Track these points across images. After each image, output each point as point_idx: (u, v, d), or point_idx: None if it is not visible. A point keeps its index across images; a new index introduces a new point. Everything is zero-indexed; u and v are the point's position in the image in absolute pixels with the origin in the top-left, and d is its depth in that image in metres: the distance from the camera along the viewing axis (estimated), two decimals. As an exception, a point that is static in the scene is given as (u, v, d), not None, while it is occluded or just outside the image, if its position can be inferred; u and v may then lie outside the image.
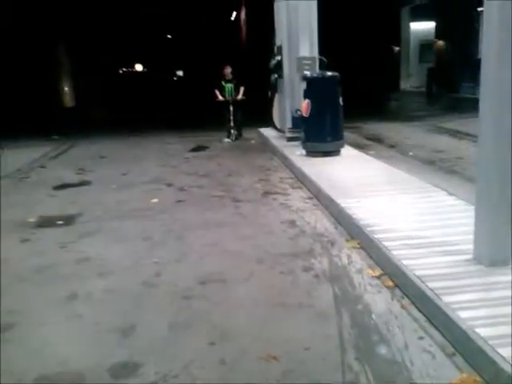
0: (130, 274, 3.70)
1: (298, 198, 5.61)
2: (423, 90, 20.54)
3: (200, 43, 33.06)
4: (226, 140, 10.02)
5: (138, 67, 47.02)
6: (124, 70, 45.09)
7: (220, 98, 9.94)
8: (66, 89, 22.36)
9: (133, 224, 4.90)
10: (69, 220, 5.07)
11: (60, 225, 4.94)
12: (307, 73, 7.66)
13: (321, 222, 4.71)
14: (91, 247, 4.27)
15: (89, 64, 24.69)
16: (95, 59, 27.11)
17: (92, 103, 20.33)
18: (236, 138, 10.03)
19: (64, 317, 3.07)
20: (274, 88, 9.59)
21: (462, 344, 2.46)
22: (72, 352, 2.67)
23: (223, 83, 9.96)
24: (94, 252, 4.15)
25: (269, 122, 10.20)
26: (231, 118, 9.93)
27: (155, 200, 5.72)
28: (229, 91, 9.96)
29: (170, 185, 6.49)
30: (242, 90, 9.93)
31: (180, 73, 41.09)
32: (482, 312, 2.57)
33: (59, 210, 5.43)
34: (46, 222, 5.02)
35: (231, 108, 9.92)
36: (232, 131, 10.00)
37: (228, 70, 10.01)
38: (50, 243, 4.39)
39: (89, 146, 10.18)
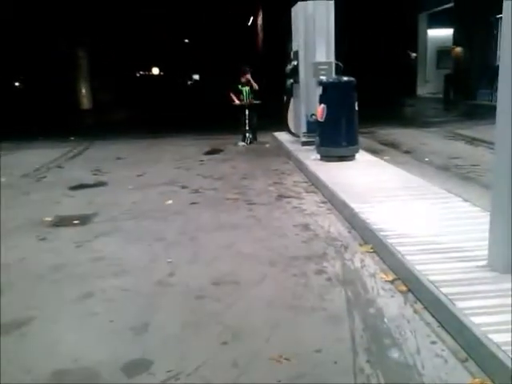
0: (144, 273, 3.74)
1: (311, 201, 5.62)
2: (440, 96, 20.43)
3: (216, 48, 33.28)
4: (241, 143, 10.06)
5: (155, 71, 47.42)
6: (141, 73, 45.54)
7: (237, 101, 9.98)
8: (84, 91, 22.64)
9: (147, 224, 4.95)
10: (85, 220, 5.14)
11: (76, 224, 5.01)
12: (323, 78, 7.68)
13: (334, 226, 4.71)
14: (106, 247, 4.33)
15: (106, 67, 25.01)
16: (113, 62, 27.44)
17: (109, 105, 20.56)
18: (251, 142, 10.07)
19: (79, 314, 3.12)
20: (290, 93, 9.62)
21: (474, 349, 2.45)
22: (86, 349, 2.71)
23: (240, 87, 10.02)
24: (109, 251, 4.21)
25: (284, 127, 10.22)
26: (246, 121, 9.97)
27: (170, 201, 5.78)
28: (246, 95, 10.02)
29: (184, 187, 6.55)
30: (255, 85, 10.01)
31: (196, 76, 41.36)
32: (495, 318, 2.55)
33: (75, 210, 5.51)
34: (63, 222, 5.09)
35: (247, 112, 9.97)
36: (247, 135, 10.04)
37: (247, 75, 10.03)
38: (66, 242, 4.46)
39: (105, 148, 10.31)
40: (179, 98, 25.76)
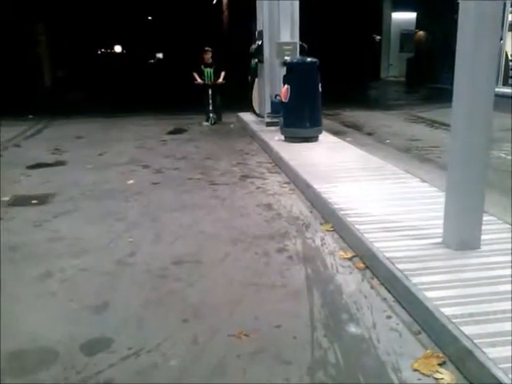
0: (104, 253, 3.70)
1: (275, 182, 5.65)
2: (403, 79, 20.73)
3: (181, 26, 32.63)
4: (205, 124, 9.99)
5: (118, 48, 46.21)
6: (103, 50, 44.30)
7: (199, 81, 9.83)
8: (42, 68, 21.86)
9: (108, 204, 4.88)
10: (43, 199, 5.02)
11: (34, 204, 4.89)
12: (287, 58, 7.65)
13: (297, 205, 4.76)
14: (66, 226, 4.25)
15: (67, 44, 24.19)
16: (73, 39, 26.57)
17: (69, 83, 19.96)
18: (215, 122, 10.01)
19: (37, 294, 3.07)
20: (254, 73, 9.55)
21: (427, 322, 2.55)
22: (45, 329, 2.68)
23: (202, 67, 9.91)
24: (69, 231, 4.13)
25: (248, 107, 10.17)
26: (210, 101, 9.88)
27: (131, 181, 5.70)
28: (208, 75, 9.91)
29: (146, 166, 6.46)
30: (222, 74, 9.85)
31: (160, 55, 40.51)
32: (447, 292, 2.66)
33: (34, 190, 5.37)
34: (20, 201, 4.96)
35: (210, 92, 9.84)
36: (211, 115, 9.98)
37: (208, 55, 9.95)
38: (24, 222, 4.35)
39: (64, 126, 10.04)
40: (142, 78, 25.23)
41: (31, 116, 11.07)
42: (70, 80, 20.88)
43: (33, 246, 3.81)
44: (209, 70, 9.89)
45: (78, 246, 3.80)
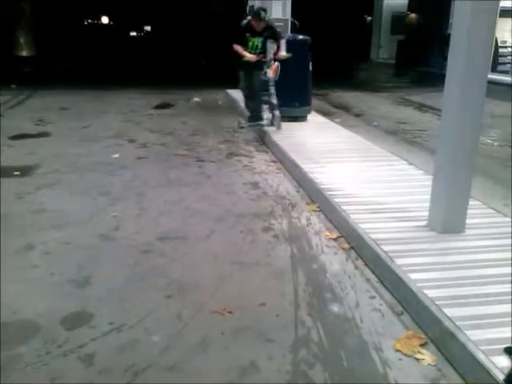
0: (87, 226, 3.65)
1: (262, 160, 5.61)
2: (392, 61, 20.63)
3: (170, -1, 31.93)
4: (244, 123, 6.94)
5: (104, 20, 45.17)
6: (89, 21, 43.27)
7: (248, 56, 6.30)
8: (26, 37, 21.30)
9: (92, 178, 4.80)
10: (26, 171, 4.93)
11: (17, 175, 4.80)
12: (278, 35, 7.52)
13: (283, 185, 4.74)
14: (48, 199, 4.18)
15: (52, 13, 23.53)
16: (59, 9, 25.85)
17: (54, 53, 19.51)
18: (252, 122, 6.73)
19: (19, 266, 3.02)
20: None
21: (410, 304, 2.56)
22: (25, 301, 2.64)
23: (249, 36, 6.34)
24: (52, 204, 4.07)
25: (237, 84, 10.05)
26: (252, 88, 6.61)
27: (116, 155, 5.61)
28: (253, 48, 6.42)
29: (132, 141, 6.36)
30: (283, 43, 6.45)
31: (148, 28, 39.71)
32: (431, 275, 2.68)
33: (16, 161, 5.26)
34: (2, 173, 4.85)
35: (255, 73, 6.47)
36: (263, 115, 6.66)
37: (258, 23, 6.30)
38: (5, 193, 4.26)
39: (49, 97, 9.81)
40: (129, 51, 24.77)
41: (14, 86, 10.80)
42: (55, 50, 20.38)
43: (15, 218, 3.75)
44: (257, 41, 6.37)
45: (61, 219, 3.74)
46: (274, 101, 6.48)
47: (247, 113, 6.86)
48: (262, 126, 6.55)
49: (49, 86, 10.87)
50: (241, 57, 6.28)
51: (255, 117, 6.62)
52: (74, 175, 4.87)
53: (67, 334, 2.37)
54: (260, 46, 6.38)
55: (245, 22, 9.10)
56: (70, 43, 24.22)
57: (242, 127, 6.79)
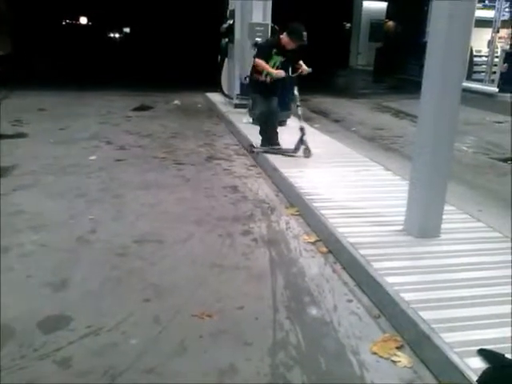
0: (64, 229, 3.61)
1: (241, 164, 5.62)
2: (371, 68, 20.90)
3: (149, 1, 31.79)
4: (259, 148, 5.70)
5: (83, 20, 44.70)
6: (68, 21, 42.78)
7: (276, 72, 5.28)
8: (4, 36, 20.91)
9: (69, 180, 4.75)
10: (2, 172, 4.85)
11: (-8, 176, 4.72)
12: (258, 39, 7.57)
13: (263, 189, 4.76)
14: (25, 201, 4.12)
15: (30, 13, 23.18)
16: (37, 8, 25.47)
17: (31, 53, 19.22)
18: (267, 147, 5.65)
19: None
20: (224, 52, 9.44)
21: (386, 307, 2.60)
22: (1, 305, 2.58)
23: (274, 54, 5.34)
24: (28, 206, 4.01)
25: (217, 87, 10.07)
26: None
27: (93, 157, 5.56)
28: (274, 67, 5.35)
29: (109, 143, 6.31)
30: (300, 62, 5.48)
31: (127, 29, 39.42)
32: (407, 278, 2.72)
33: (-9, 162, 5.17)
34: (-24, 173, 4.77)
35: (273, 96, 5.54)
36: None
37: (289, 41, 5.26)
38: (-21, 194, 4.19)
39: (26, 98, 9.67)
40: (108, 52, 24.57)
41: (-11, 85, 10.60)
42: (32, 50, 20.10)
43: (-11, 220, 3.68)
44: (279, 60, 5.40)
45: (38, 221, 3.69)
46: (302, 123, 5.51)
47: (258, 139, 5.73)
48: (283, 152, 5.47)
49: (26, 87, 10.71)
50: (258, 78, 5.35)
51: (269, 139, 5.64)
52: (50, 177, 4.81)
53: (44, 338, 2.34)
54: (280, 65, 5.38)
55: (225, 25, 9.15)
56: (48, 43, 23.89)
57: (254, 151, 5.73)
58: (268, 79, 5.33)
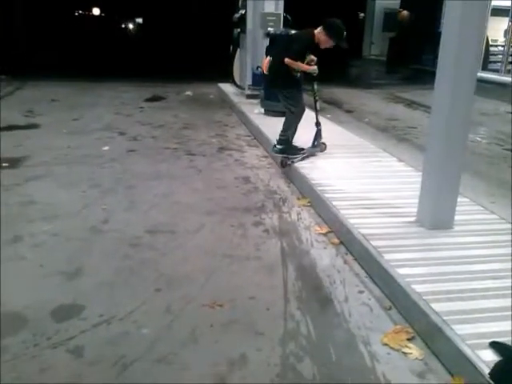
0: (76, 219, 3.63)
1: (253, 155, 5.61)
2: (384, 58, 20.68)
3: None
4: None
5: (96, 11, 44.71)
6: (80, 12, 42.82)
7: (312, 68, 4.84)
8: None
9: (82, 170, 4.78)
10: (15, 163, 4.89)
11: (5, 167, 4.75)
12: (271, 29, 7.52)
13: (274, 180, 4.75)
14: (37, 191, 4.16)
15: (42, 5, 23.24)
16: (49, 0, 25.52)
17: (44, 44, 19.30)
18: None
19: (6, 258, 2.99)
20: (236, 43, 9.38)
21: (398, 298, 2.59)
22: (14, 294, 2.62)
23: (307, 55, 4.82)
24: (40, 196, 4.04)
25: (229, 78, 10.03)
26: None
27: (106, 148, 5.59)
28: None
29: (122, 133, 6.33)
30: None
31: (140, 20, 39.34)
32: (419, 270, 2.70)
33: (5, 152, 5.19)
34: (-10, 163, 4.82)
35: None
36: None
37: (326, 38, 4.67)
38: (-7, 185, 4.23)
39: (39, 89, 9.73)
40: (120, 43, 24.60)
41: (3, 76, 10.67)
42: (44, 41, 20.17)
43: (3, 210, 3.71)
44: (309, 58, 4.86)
45: (50, 212, 3.72)
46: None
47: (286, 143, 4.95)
48: (310, 153, 5.05)
49: (39, 78, 10.75)
50: (292, 74, 4.78)
51: (291, 145, 4.99)
52: (63, 167, 4.84)
53: (56, 327, 2.36)
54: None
55: (237, 15, 9.09)
56: (60, 34, 23.96)
57: (290, 163, 4.85)
58: (299, 74, 4.89)
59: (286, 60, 4.61)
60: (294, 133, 5.02)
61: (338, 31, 4.67)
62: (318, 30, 4.64)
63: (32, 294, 2.63)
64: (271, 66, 4.99)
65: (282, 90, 4.93)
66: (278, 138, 4.93)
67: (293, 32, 6.76)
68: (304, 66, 4.76)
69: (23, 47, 18.02)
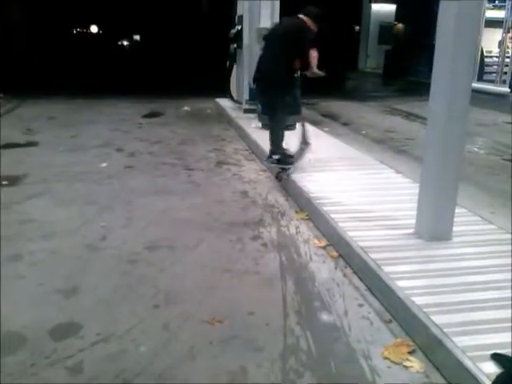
0: (74, 236, 3.62)
1: (251, 169, 5.62)
2: (380, 71, 20.84)
3: (158, 7, 32.01)
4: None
5: (94, 29, 45.11)
6: (78, 30, 43.21)
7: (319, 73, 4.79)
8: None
9: (80, 187, 4.78)
10: (14, 181, 4.89)
11: (4, 185, 4.75)
12: (265, 32, 7.55)
13: (272, 193, 4.75)
14: (36, 209, 4.16)
15: (42, 22, 23.45)
16: (48, 18, 25.76)
17: (42, 62, 19.44)
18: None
19: (5, 277, 2.97)
20: (233, 58, 9.46)
21: (398, 311, 2.57)
22: (12, 313, 2.60)
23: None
24: (39, 214, 4.04)
25: (226, 93, 10.08)
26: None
27: (104, 164, 5.60)
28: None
29: (120, 150, 6.35)
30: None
31: (137, 37, 39.66)
32: (419, 282, 2.69)
33: (4, 170, 5.20)
34: (-11, 182, 4.82)
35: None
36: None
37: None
38: (-8, 203, 4.23)
39: (37, 107, 9.78)
40: (118, 59, 24.79)
41: (2, 95, 10.73)
42: (43, 59, 20.32)
43: (2, 228, 3.70)
44: None
45: (49, 229, 3.72)
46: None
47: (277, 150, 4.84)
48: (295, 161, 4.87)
49: (37, 96, 10.82)
50: (293, 75, 4.72)
51: (282, 152, 4.88)
52: (61, 185, 4.85)
53: (54, 345, 2.35)
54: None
55: (233, 31, 9.17)
56: (59, 51, 24.15)
57: (286, 177, 4.73)
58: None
59: (299, 62, 4.46)
60: (282, 138, 4.96)
61: (318, 14, 4.69)
62: (306, 19, 4.63)
63: (31, 313, 2.62)
64: (271, 65, 4.65)
65: (278, 92, 4.69)
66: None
67: (283, 23, 6.21)
68: (315, 69, 4.59)
69: (23, 65, 18.14)
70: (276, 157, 4.86)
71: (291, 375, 2.18)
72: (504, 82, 13.11)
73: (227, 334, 2.47)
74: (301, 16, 4.70)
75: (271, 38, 4.88)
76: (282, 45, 4.63)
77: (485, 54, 13.82)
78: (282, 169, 4.84)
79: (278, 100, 4.77)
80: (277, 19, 8.11)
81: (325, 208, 3.85)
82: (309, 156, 5.12)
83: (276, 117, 4.84)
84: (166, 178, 5.20)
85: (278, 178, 4.93)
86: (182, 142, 6.94)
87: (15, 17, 19.87)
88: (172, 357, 2.29)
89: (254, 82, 4.97)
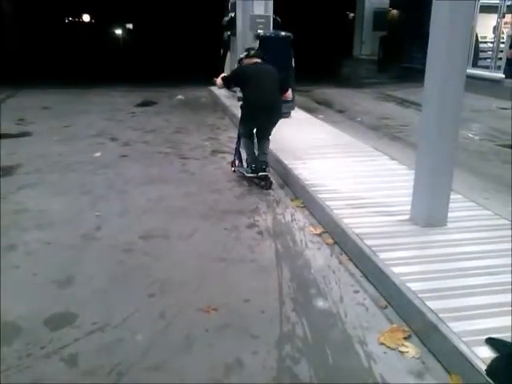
0: (69, 226, 3.61)
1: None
2: (375, 58, 20.74)
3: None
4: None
5: (86, 18, 44.65)
6: (70, 19, 42.79)
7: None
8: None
9: (74, 177, 4.75)
10: (7, 171, 4.86)
11: (-2, 175, 4.73)
12: (260, 31, 7.53)
13: (267, 181, 4.72)
14: (30, 199, 4.13)
15: (33, 12, 23.19)
16: (40, 7, 25.47)
17: (34, 51, 19.26)
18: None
19: (2, 267, 2.96)
20: (227, 45, 9.39)
21: (393, 297, 2.58)
22: (7, 303, 2.59)
23: None
24: (34, 204, 4.02)
25: (220, 81, 9.99)
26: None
27: (98, 154, 5.57)
28: None
29: (114, 139, 6.31)
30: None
31: (130, 26, 39.29)
32: (414, 268, 2.70)
33: (-3, 161, 5.18)
34: (-18, 173, 4.79)
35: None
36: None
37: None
38: (-15, 194, 4.20)
39: (30, 96, 9.70)
40: (111, 48, 24.57)
41: (-6, 85, 10.63)
42: (35, 48, 20.13)
43: (-4, 219, 3.69)
44: None
45: (43, 219, 3.70)
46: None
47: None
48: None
49: (30, 85, 10.72)
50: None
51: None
52: (55, 175, 4.82)
53: (50, 335, 2.34)
54: None
55: (227, 18, 9.10)
56: (51, 41, 23.92)
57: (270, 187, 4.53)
58: None
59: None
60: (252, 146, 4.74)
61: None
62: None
63: (26, 303, 2.61)
64: (275, 98, 4.74)
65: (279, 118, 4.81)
66: (264, 160, 4.59)
67: (283, 34, 6.60)
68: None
69: (15, 55, 17.96)
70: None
71: (287, 362, 2.19)
72: (499, 67, 13.06)
73: (223, 321, 2.47)
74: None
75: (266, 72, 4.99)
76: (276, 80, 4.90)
77: (479, 39, 13.74)
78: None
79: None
80: (271, 6, 8.07)
81: (320, 195, 3.84)
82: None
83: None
84: (161, 167, 5.18)
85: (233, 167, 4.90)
86: (177, 130, 6.91)
87: (5, 7, 19.63)
88: (168, 346, 2.29)
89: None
